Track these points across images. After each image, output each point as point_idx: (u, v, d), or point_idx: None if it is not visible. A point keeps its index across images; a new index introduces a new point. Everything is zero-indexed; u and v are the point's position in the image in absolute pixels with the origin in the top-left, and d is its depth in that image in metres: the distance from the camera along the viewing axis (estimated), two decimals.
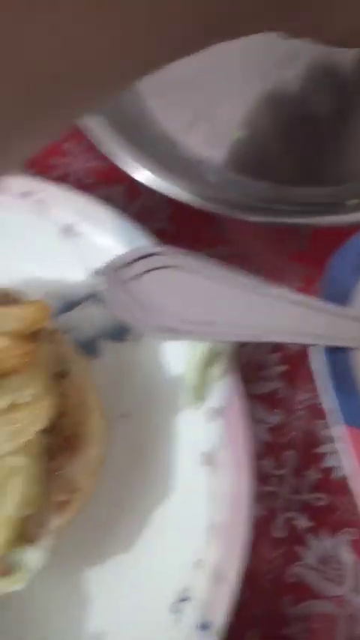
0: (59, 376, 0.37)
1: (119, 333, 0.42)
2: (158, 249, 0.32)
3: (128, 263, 0.32)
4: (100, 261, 0.42)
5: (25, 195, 0.43)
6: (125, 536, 0.37)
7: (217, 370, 0.35)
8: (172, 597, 0.34)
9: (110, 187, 0.47)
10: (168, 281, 0.31)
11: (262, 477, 0.38)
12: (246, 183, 0.45)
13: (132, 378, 0.41)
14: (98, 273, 0.34)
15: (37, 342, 0.36)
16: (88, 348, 0.42)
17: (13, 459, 0.33)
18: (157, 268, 0.31)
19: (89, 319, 0.43)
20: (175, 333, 0.31)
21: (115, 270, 0.32)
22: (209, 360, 0.34)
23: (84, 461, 0.36)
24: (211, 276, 0.31)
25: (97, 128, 0.45)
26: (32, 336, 0.36)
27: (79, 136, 0.51)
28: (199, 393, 0.35)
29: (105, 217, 0.42)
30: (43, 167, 0.49)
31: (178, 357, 0.39)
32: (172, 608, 0.33)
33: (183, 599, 0.33)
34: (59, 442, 0.35)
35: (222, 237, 0.45)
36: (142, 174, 0.43)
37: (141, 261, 0.32)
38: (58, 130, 0.26)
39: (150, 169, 0.44)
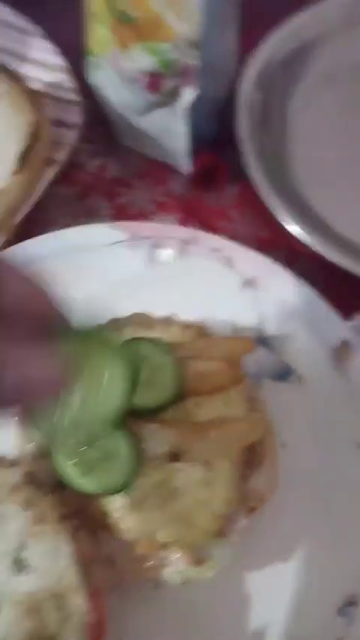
0: (251, 399, 0.44)
1: (283, 373, 0.49)
2: None
3: None
4: (275, 311, 0.50)
5: (215, 250, 0.51)
6: (293, 543, 0.42)
7: None
8: (340, 601, 0.39)
9: (271, 252, 0.56)
10: None
11: None
12: None
13: (290, 412, 0.48)
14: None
15: (242, 369, 0.43)
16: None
17: (221, 462, 0.39)
18: None
19: (255, 359, 0.50)
20: None
21: None
22: None
23: (268, 475, 0.42)
24: None
25: (271, 203, 0.54)
26: (236, 363, 0.43)
27: (242, 205, 0.60)
28: None
29: (282, 274, 0.50)
30: (211, 228, 0.58)
31: (339, 402, 0.46)
32: (340, 611, 0.39)
33: (351, 604, 0.38)
34: (250, 456, 0.42)
35: None
36: (306, 241, 0.52)
37: None
38: None
39: (312, 237, 0.52)
